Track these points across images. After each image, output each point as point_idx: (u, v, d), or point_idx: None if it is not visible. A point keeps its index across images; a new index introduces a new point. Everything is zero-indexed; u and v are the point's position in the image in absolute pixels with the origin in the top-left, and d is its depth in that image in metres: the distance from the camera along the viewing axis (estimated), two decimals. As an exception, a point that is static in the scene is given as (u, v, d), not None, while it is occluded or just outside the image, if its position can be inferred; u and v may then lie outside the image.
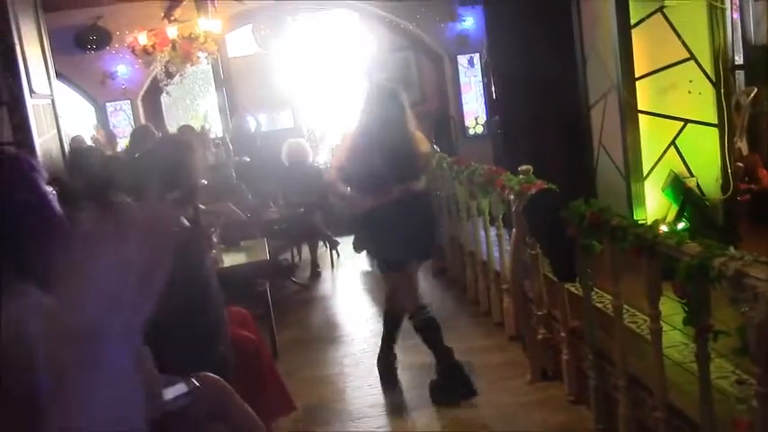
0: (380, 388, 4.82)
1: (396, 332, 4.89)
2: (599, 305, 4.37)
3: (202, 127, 9.37)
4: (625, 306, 3.63)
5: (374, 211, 4.42)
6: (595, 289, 4.22)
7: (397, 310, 4.78)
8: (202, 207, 6.09)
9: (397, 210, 4.36)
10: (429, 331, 4.53)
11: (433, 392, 4.52)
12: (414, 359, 5.02)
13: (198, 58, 9.12)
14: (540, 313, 4.60)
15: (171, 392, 2.70)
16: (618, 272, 3.39)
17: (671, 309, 3.54)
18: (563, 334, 4.22)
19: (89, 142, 8.96)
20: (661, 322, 3.15)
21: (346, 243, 8.65)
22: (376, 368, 4.97)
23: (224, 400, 2.97)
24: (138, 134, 6.18)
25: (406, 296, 4.61)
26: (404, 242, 4.42)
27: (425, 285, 6.95)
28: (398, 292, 4.67)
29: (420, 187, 4.54)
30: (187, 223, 3.11)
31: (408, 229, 4.39)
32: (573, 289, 4.32)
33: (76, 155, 6.28)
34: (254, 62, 11.31)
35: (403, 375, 4.93)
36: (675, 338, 3.83)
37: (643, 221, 3.53)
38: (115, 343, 0.97)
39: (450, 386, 4.44)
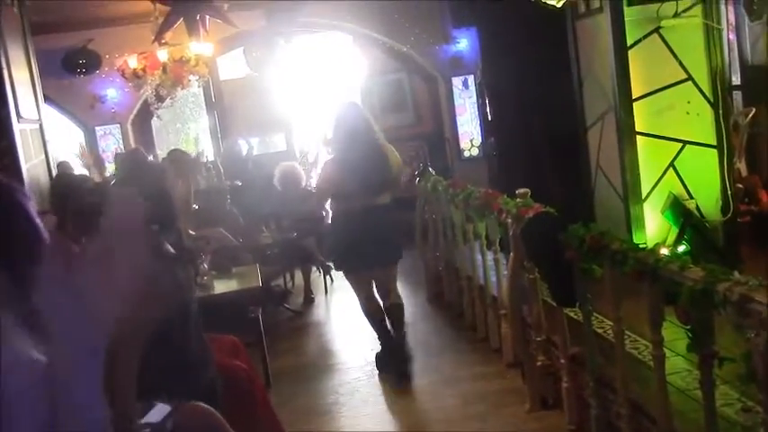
0: (378, 417, 4.77)
1: (383, 327, 5.45)
2: (599, 331, 4.35)
3: (198, 153, 9.36)
4: (626, 332, 3.60)
5: (337, 219, 5.38)
6: (595, 314, 4.20)
7: (369, 309, 5.47)
8: (192, 233, 6.12)
9: (359, 219, 5.11)
10: (399, 314, 5.41)
11: (379, 362, 5.50)
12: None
13: (189, 81, 9.10)
14: (539, 339, 4.57)
15: (152, 416, 2.67)
16: (618, 297, 3.36)
17: (674, 334, 3.51)
18: (563, 361, 4.19)
19: (78, 165, 8.93)
20: (664, 348, 3.12)
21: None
22: (371, 397, 4.94)
23: (214, 430, 2.92)
24: (126, 158, 6.15)
25: (390, 293, 5.42)
26: (363, 249, 5.16)
27: (420, 311, 6.95)
28: (362, 293, 5.44)
29: (386, 199, 5.24)
30: (171, 250, 3.07)
31: (368, 237, 5.12)
32: (572, 314, 4.29)
33: (59, 183, 6.25)
34: (246, 85, 11.33)
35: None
36: (679, 365, 3.79)
37: (643, 245, 3.52)
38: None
39: (394, 367, 5.27)
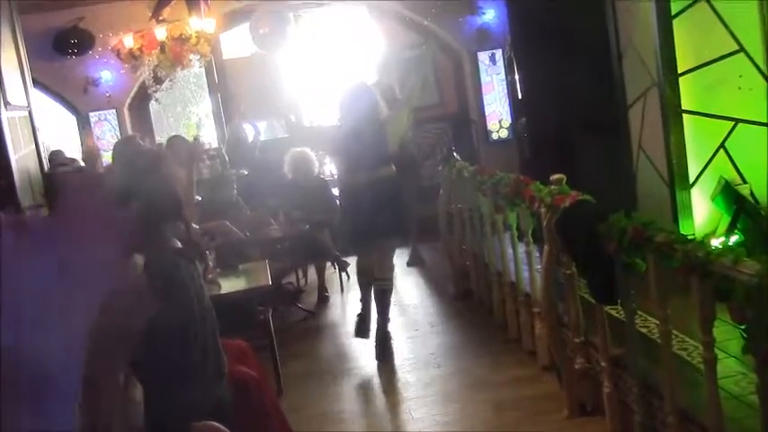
0: (400, 426, 4.78)
1: (366, 297, 6.16)
2: (644, 331, 4.33)
3: (195, 138, 9.36)
4: (674, 331, 3.58)
5: (343, 190, 6.16)
6: (639, 312, 4.18)
7: (359, 278, 6.27)
8: (195, 227, 6.13)
9: (353, 193, 5.88)
10: (382, 299, 6.02)
11: (357, 327, 6.22)
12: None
13: (190, 61, 9.14)
14: (576, 340, 4.55)
15: None
16: (665, 293, 3.34)
17: (726, 334, 3.49)
18: (603, 363, 4.17)
19: (79, 154, 9.00)
20: (715, 350, 3.09)
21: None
22: (391, 404, 4.97)
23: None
24: (120, 146, 6.17)
25: (376, 267, 6.02)
26: (356, 222, 5.87)
27: (446, 310, 6.95)
28: (367, 266, 6.11)
29: (388, 173, 5.87)
30: (178, 244, 3.08)
31: (361, 211, 5.79)
32: (614, 313, 4.27)
33: (55, 175, 6.30)
34: (252, 65, 11.33)
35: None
36: (732, 368, 3.77)
37: (692, 236, 3.48)
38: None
39: (376, 342, 6.00)
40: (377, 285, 6.05)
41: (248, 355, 3.90)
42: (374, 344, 6.05)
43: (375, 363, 5.91)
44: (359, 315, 6.26)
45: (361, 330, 6.19)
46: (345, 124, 5.96)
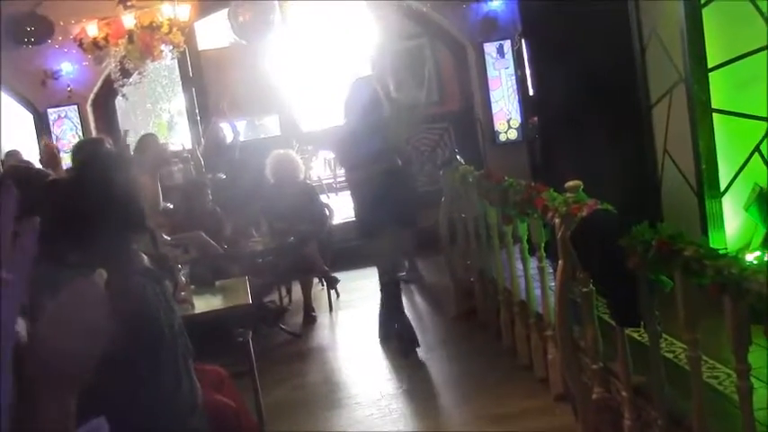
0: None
1: (391, 294, 6.75)
2: (670, 356, 4.33)
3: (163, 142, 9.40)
4: (703, 357, 3.57)
5: (351, 185, 7.05)
6: (665, 336, 4.17)
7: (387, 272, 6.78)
8: (166, 238, 6.12)
9: (370, 184, 6.49)
10: (388, 293, 6.75)
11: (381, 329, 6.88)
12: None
13: (161, 52, 9.14)
14: (594, 367, 4.53)
15: None
16: (694, 314, 3.34)
17: (762, 360, 3.48)
18: (624, 393, 4.16)
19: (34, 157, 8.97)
20: (751, 378, 3.08)
21: (347, 279, 8.61)
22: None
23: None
24: (84, 149, 6.16)
25: (386, 257, 6.70)
26: (378, 211, 6.41)
27: (448, 332, 6.94)
28: (379, 255, 6.75)
29: (394, 165, 6.58)
30: (145, 260, 3.07)
31: (381, 200, 6.38)
32: (636, 336, 4.26)
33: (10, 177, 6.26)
34: (231, 56, 11.36)
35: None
36: (769, 398, 3.76)
37: (723, 250, 3.48)
38: None
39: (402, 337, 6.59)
40: (388, 277, 6.74)
41: (226, 383, 3.89)
42: (398, 341, 6.59)
43: (367, 392, 5.90)
44: (382, 318, 6.90)
45: (386, 333, 6.82)
46: (351, 120, 6.67)
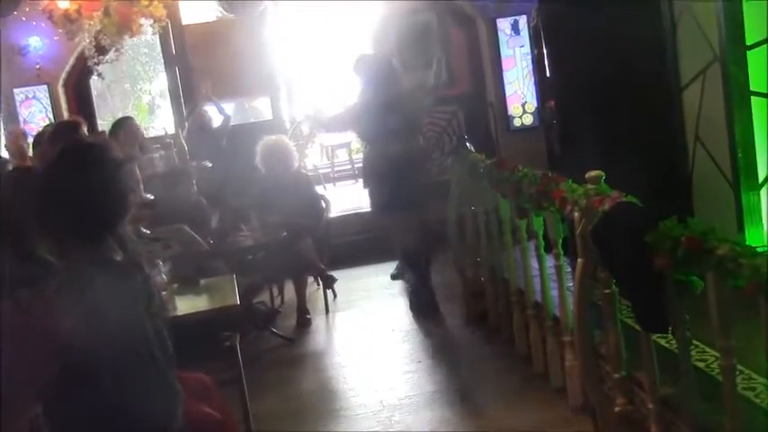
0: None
1: (421, 270, 7.60)
2: (701, 365, 4.32)
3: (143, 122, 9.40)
4: (739, 367, 3.56)
5: (370, 164, 7.76)
6: (695, 342, 4.16)
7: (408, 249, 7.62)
8: (146, 231, 6.12)
9: (390, 163, 7.24)
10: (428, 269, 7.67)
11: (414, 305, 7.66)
12: None
13: (140, 26, 9.14)
14: (617, 376, 4.54)
15: None
16: (728, 319, 3.32)
17: (803, 370, 3.47)
18: (650, 405, 4.16)
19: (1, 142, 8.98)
20: (791, 390, 3.08)
21: (346, 278, 8.61)
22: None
23: None
24: (55, 134, 6.14)
25: (404, 238, 7.51)
26: (396, 190, 7.18)
27: (456, 337, 6.95)
28: (398, 235, 7.64)
29: (417, 143, 7.48)
30: (117, 258, 3.05)
31: (399, 179, 7.15)
32: (664, 342, 4.25)
33: None
34: (218, 32, 11.33)
35: None
36: (811, 411, 3.76)
37: (762, 247, 3.47)
38: None
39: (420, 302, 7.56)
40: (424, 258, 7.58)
41: (211, 392, 3.88)
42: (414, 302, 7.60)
43: (367, 402, 5.90)
44: (413, 295, 7.73)
45: (420, 306, 7.60)
46: (370, 98, 7.46)
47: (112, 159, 3.17)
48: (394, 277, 8.83)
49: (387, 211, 7.61)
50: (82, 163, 3.05)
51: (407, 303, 7.79)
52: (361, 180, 8.88)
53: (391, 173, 7.25)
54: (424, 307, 7.52)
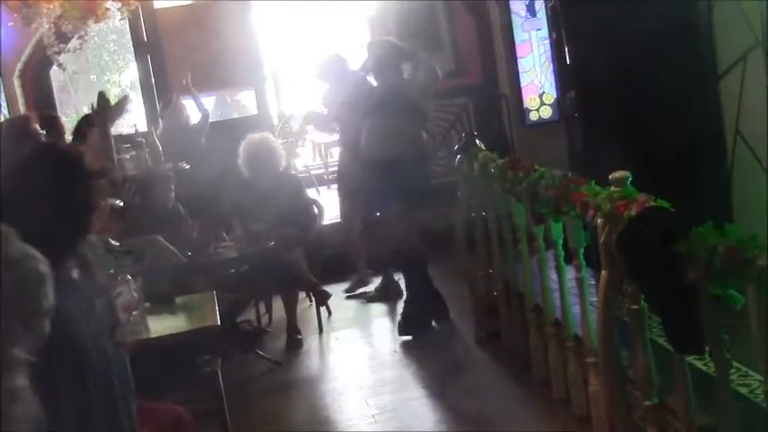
0: None
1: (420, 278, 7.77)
2: (743, 390, 4.31)
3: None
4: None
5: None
6: (736, 365, 4.15)
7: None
8: (114, 243, 6.12)
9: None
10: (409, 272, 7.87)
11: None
12: None
13: (106, 11, 9.14)
14: (647, 403, 4.53)
15: None
16: (772, 338, 3.32)
17: None
18: (686, 436, 4.15)
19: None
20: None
21: (341, 294, 8.63)
22: None
23: None
24: (9, 132, 6.14)
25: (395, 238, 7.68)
26: (391, 189, 7.41)
27: (466, 358, 6.94)
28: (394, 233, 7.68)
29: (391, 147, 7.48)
30: (74, 276, 3.05)
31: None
32: (700, 365, 4.24)
33: None
34: (196, 16, 11.34)
35: None
36: None
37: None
38: None
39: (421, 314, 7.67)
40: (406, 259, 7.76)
41: (185, 426, 3.87)
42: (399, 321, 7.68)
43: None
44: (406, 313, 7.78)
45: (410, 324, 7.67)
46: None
47: (80, 170, 3.16)
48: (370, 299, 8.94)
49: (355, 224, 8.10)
50: (43, 171, 3.05)
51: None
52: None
53: (360, 180, 7.82)
54: (407, 324, 7.64)
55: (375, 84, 7.96)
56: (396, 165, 7.42)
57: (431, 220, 8.56)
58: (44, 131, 6.07)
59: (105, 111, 5.80)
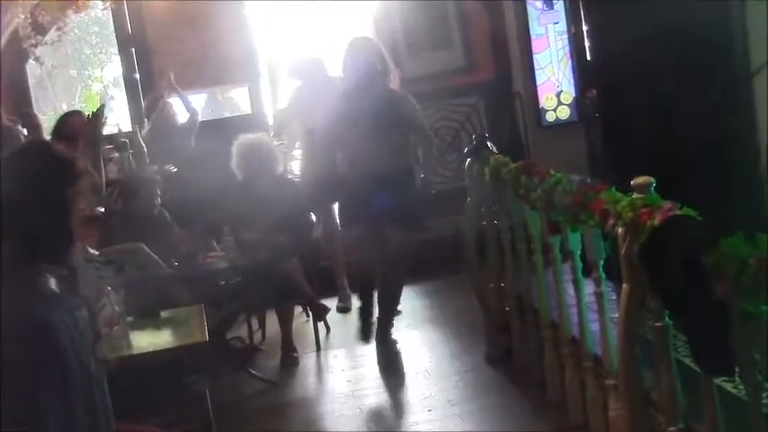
0: None
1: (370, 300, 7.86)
2: (775, 415, 4.30)
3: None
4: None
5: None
6: (768, 387, 4.14)
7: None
8: (94, 252, 6.12)
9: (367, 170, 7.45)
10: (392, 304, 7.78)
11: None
12: None
13: (87, 1, 9.14)
14: (673, 429, 4.52)
15: None
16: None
17: None
18: (714, 464, 4.15)
19: None
20: None
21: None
22: None
23: None
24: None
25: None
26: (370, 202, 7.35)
27: (477, 378, 6.94)
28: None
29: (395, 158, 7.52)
30: (53, 288, 3.06)
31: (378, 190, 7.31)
32: (730, 387, 4.23)
33: None
34: (184, 7, 11.34)
35: None
36: None
37: None
38: None
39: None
40: (387, 290, 7.69)
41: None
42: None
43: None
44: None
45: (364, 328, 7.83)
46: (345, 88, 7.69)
47: (61, 175, 3.17)
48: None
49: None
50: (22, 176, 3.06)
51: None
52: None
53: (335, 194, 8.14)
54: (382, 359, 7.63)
55: (357, 90, 7.62)
56: (386, 184, 7.35)
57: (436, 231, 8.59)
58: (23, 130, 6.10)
59: (97, 123, 5.83)
